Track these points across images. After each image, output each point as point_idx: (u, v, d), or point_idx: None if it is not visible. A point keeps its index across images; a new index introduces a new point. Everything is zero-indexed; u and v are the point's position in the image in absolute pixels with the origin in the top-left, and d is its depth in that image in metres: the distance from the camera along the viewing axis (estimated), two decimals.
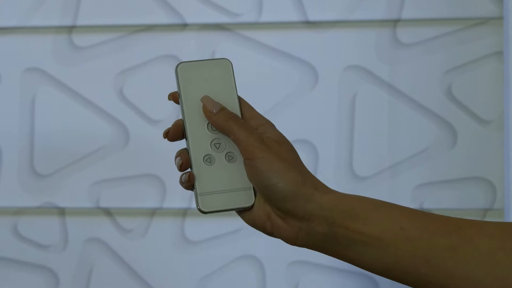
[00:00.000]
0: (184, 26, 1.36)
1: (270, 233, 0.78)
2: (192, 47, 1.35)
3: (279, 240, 0.77)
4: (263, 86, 1.34)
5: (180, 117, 0.80)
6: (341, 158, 1.33)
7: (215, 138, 0.79)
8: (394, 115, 1.32)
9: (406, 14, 1.32)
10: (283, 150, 0.77)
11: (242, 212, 0.79)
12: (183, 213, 1.35)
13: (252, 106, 0.81)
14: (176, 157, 0.79)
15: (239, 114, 0.80)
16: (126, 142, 1.37)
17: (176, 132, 0.79)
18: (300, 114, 1.33)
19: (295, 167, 0.76)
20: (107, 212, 1.37)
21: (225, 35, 1.35)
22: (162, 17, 1.36)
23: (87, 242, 1.37)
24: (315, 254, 1.22)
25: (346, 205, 0.74)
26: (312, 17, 1.34)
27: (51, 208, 1.37)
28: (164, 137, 0.80)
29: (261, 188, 0.76)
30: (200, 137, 0.79)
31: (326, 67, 1.34)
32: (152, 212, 1.36)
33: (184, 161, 0.78)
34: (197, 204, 0.78)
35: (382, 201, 0.75)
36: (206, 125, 0.79)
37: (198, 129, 0.79)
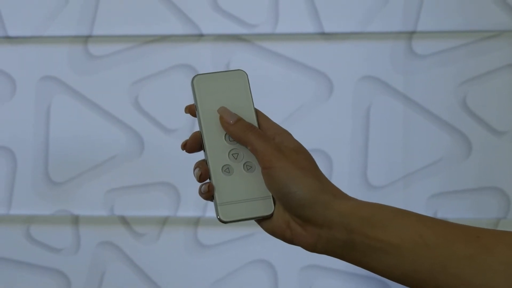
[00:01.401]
0: (200, 37, 1.37)
1: (290, 241, 0.78)
2: (207, 57, 1.36)
3: (291, 245, 0.78)
4: (278, 96, 1.35)
5: (197, 129, 0.80)
6: (356, 167, 1.34)
7: (233, 149, 0.79)
8: (408, 125, 1.33)
9: (421, 27, 1.33)
10: (301, 158, 0.77)
11: (261, 221, 0.79)
12: (197, 221, 1.36)
13: (268, 116, 0.81)
14: (195, 169, 0.79)
15: (256, 124, 0.80)
16: (140, 150, 1.37)
17: (193, 144, 0.80)
18: (315, 124, 1.34)
19: (313, 174, 0.76)
20: (122, 220, 1.37)
21: (241, 46, 1.36)
22: (178, 27, 1.37)
23: (99, 245, 1.37)
24: (327, 258, 1.22)
25: (365, 213, 0.74)
26: (328, 28, 1.35)
27: (65, 216, 1.38)
28: (182, 149, 0.80)
29: (280, 197, 0.77)
30: (218, 148, 0.79)
31: (341, 77, 1.34)
32: (166, 220, 1.36)
33: (203, 172, 0.78)
34: (217, 214, 0.78)
35: (401, 209, 0.75)
36: (223, 136, 0.79)
37: (215, 140, 0.79)
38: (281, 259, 1.34)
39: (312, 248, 0.77)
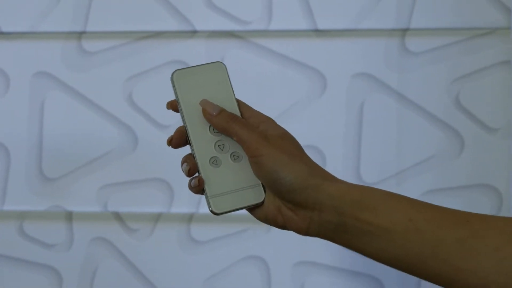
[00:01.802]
0: (193, 33, 1.37)
1: (282, 226, 0.78)
2: (201, 53, 1.35)
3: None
4: (272, 92, 1.35)
5: (182, 124, 0.80)
6: (349, 164, 1.34)
7: (218, 140, 0.80)
8: (401, 122, 1.33)
9: (415, 24, 1.33)
10: (287, 144, 0.77)
11: (253, 209, 0.80)
12: (190, 217, 1.36)
13: (261, 112, 0.81)
14: (182, 163, 0.79)
15: (238, 114, 0.80)
16: (134, 146, 1.37)
17: (179, 139, 0.80)
18: (308, 121, 1.34)
19: (301, 159, 0.76)
20: (115, 216, 1.37)
21: (235, 42, 1.36)
22: (172, 24, 1.37)
23: (92, 241, 1.38)
24: (320, 255, 1.23)
25: (355, 195, 0.74)
26: (321, 25, 1.35)
27: (59, 212, 1.38)
28: (168, 145, 0.80)
29: (269, 184, 0.77)
30: (204, 141, 0.79)
31: (334, 74, 1.34)
32: (160, 216, 1.37)
33: (191, 166, 0.79)
34: (209, 207, 0.79)
35: (392, 192, 0.75)
36: (208, 128, 0.80)
37: (200, 133, 0.80)
38: (274, 255, 1.34)
39: (304, 232, 0.77)
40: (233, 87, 0.82)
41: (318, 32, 1.35)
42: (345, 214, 0.74)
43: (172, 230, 1.36)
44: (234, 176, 0.80)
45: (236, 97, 0.82)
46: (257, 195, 0.79)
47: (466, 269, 0.69)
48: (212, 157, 0.79)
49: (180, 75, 0.81)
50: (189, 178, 0.79)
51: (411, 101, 1.33)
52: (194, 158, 0.79)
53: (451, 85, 1.33)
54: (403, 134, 1.33)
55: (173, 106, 0.82)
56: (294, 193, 0.75)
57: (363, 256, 0.75)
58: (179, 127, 0.80)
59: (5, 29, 1.39)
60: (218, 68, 0.82)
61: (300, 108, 1.34)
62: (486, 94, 1.32)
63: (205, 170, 0.79)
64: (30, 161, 1.38)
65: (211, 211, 0.79)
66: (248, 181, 0.79)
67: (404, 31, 1.33)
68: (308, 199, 0.75)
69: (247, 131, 0.77)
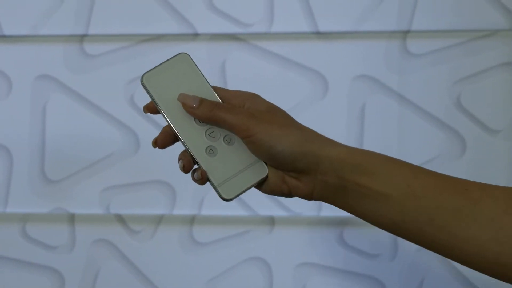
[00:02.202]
0: (195, 36, 1.37)
1: (289, 195, 0.79)
2: (203, 56, 1.36)
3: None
4: (273, 95, 1.34)
5: (165, 124, 0.80)
6: None
7: (208, 129, 0.80)
8: (403, 124, 1.33)
9: (416, 26, 1.33)
10: (276, 116, 0.78)
11: (259, 184, 0.80)
12: (192, 219, 1.36)
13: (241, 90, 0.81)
14: (178, 161, 0.79)
15: (218, 100, 0.80)
16: (136, 148, 1.38)
17: (165, 139, 0.80)
18: (310, 123, 1.31)
19: (294, 128, 0.77)
20: (118, 218, 1.37)
21: (236, 45, 1.36)
22: (174, 27, 1.37)
23: (95, 243, 1.38)
24: (322, 256, 1.23)
25: (355, 159, 0.75)
26: (322, 28, 1.35)
27: (61, 214, 1.38)
28: (154, 146, 0.80)
29: (269, 158, 0.78)
30: (193, 134, 0.79)
31: (336, 76, 1.35)
32: (162, 218, 1.37)
33: (185, 163, 0.79)
34: (219, 195, 0.79)
35: (392, 157, 0.75)
36: (193, 120, 0.80)
37: (187, 127, 0.79)
38: (276, 257, 1.34)
39: (309, 196, 0.78)
40: (203, 74, 0.81)
41: (320, 35, 1.35)
42: (345, 178, 0.74)
43: (174, 231, 1.37)
44: (233, 159, 0.80)
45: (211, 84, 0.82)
46: (260, 171, 0.79)
47: (462, 237, 0.69)
48: (207, 147, 0.79)
49: (150, 77, 0.81)
50: (191, 174, 0.79)
51: (413, 103, 1.33)
52: (189, 153, 0.79)
53: (453, 86, 1.33)
54: (404, 136, 1.33)
55: (150, 108, 0.81)
56: (294, 162, 0.76)
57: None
58: (164, 127, 0.80)
59: (7, 32, 1.39)
60: (183, 59, 0.82)
61: (301, 110, 1.34)
62: (488, 95, 1.32)
63: (204, 161, 0.79)
64: (32, 164, 1.39)
65: (223, 199, 0.79)
66: (248, 160, 0.80)
67: (405, 33, 1.34)
68: (309, 165, 0.75)
69: (232, 115, 0.77)
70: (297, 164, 0.76)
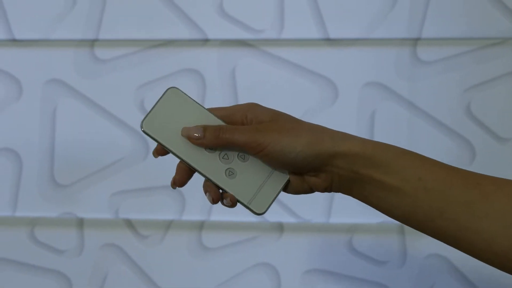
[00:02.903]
0: (205, 41, 1.37)
1: (310, 191, 0.81)
2: (213, 62, 1.36)
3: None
4: (283, 101, 1.35)
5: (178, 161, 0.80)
6: None
7: (220, 153, 0.80)
8: (413, 131, 1.33)
9: (426, 33, 1.34)
10: (282, 123, 0.78)
11: (284, 189, 0.81)
12: (201, 224, 1.36)
13: (238, 103, 0.82)
14: (205, 193, 0.80)
15: (219, 121, 0.81)
16: (146, 153, 1.38)
17: (182, 176, 0.80)
18: None
19: (302, 131, 0.77)
20: (127, 223, 1.37)
21: (246, 51, 1.36)
22: (184, 32, 1.37)
23: (103, 248, 1.38)
24: (330, 262, 1.23)
25: (367, 153, 0.75)
26: (333, 34, 1.35)
27: (70, 218, 1.38)
28: (173, 187, 0.81)
29: (287, 166, 0.78)
30: (208, 162, 0.80)
31: (346, 83, 1.35)
32: (171, 223, 1.37)
33: (213, 195, 0.79)
34: (253, 212, 0.80)
35: (404, 149, 0.77)
36: (203, 149, 0.80)
37: (200, 158, 0.80)
38: (284, 262, 1.35)
39: (328, 190, 0.79)
40: (197, 101, 0.82)
41: (330, 41, 1.35)
42: (358, 172, 0.76)
43: (183, 237, 1.37)
44: (253, 174, 0.80)
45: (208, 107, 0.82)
46: (281, 177, 0.80)
47: (472, 230, 0.70)
48: (225, 171, 0.80)
49: (148, 122, 0.80)
50: (218, 201, 0.80)
51: (422, 110, 1.33)
52: (211, 182, 0.79)
53: (462, 94, 1.33)
54: (414, 143, 1.33)
55: (159, 151, 0.82)
56: (310, 165, 0.77)
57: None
58: (178, 164, 0.81)
59: (18, 36, 1.40)
60: (173, 94, 0.81)
61: (311, 117, 1.34)
62: (497, 103, 1.32)
63: (227, 185, 0.80)
64: (41, 168, 1.39)
65: (257, 214, 0.80)
66: (267, 170, 0.80)
67: (415, 41, 1.34)
68: (323, 164, 0.77)
69: (239, 134, 0.78)
70: (312, 166, 0.77)
